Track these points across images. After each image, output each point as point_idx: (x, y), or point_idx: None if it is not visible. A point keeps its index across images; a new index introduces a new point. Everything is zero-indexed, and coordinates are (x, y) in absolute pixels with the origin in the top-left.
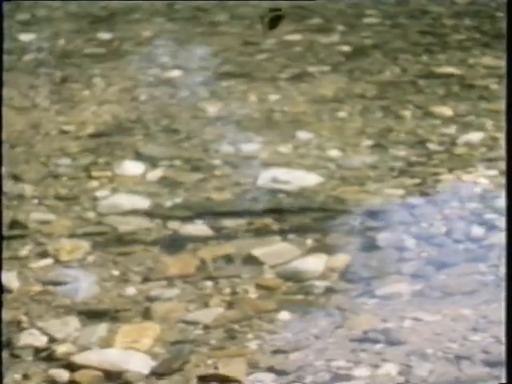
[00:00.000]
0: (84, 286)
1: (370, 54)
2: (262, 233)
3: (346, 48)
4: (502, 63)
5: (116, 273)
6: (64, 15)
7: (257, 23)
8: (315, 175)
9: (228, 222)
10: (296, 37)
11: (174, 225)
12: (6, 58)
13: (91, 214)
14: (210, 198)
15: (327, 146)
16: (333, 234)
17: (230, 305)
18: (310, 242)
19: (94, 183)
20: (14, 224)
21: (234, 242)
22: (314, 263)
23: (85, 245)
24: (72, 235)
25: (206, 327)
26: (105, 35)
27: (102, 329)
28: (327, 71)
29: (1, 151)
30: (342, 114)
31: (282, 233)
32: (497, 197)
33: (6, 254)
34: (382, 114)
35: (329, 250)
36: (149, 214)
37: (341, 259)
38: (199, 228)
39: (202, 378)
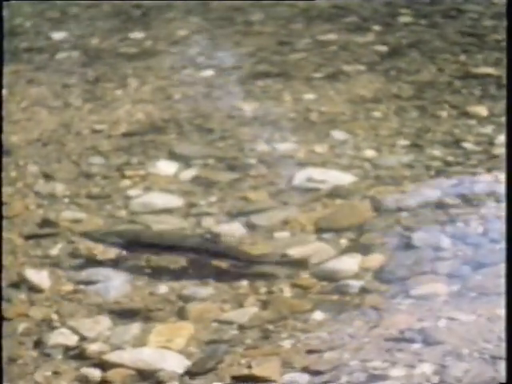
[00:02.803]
0: (116, 284)
1: (407, 53)
2: (296, 232)
3: (382, 48)
4: None
5: (148, 271)
6: (97, 13)
7: (292, 23)
8: (350, 175)
9: (263, 221)
10: (331, 36)
11: (208, 223)
12: (37, 56)
13: (123, 213)
14: (245, 197)
15: (363, 145)
16: (367, 233)
17: (265, 304)
18: (343, 241)
19: (127, 182)
20: (45, 223)
21: (269, 241)
22: (349, 263)
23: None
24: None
25: (241, 327)
26: (138, 34)
27: (134, 328)
28: (363, 71)
29: (1, 153)
30: (377, 114)
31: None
32: None
33: (37, 252)
34: (418, 113)
35: (364, 249)
36: (182, 212)
37: (376, 259)
38: (234, 227)
39: (236, 378)
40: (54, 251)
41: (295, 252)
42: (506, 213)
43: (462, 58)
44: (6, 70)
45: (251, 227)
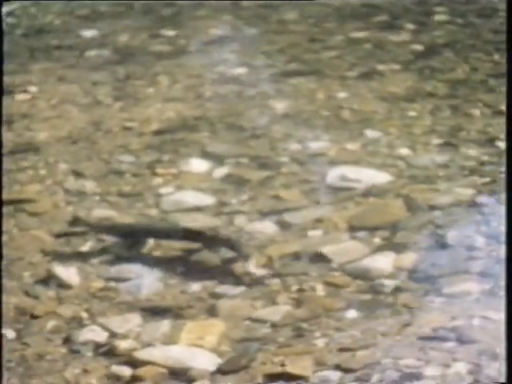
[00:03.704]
0: (147, 282)
1: (441, 52)
2: (329, 230)
3: (416, 46)
4: None
5: (180, 269)
6: (127, 11)
7: (324, 21)
8: (384, 173)
9: (296, 219)
10: (364, 34)
11: (240, 222)
12: (67, 54)
13: (154, 211)
14: (277, 196)
15: (396, 144)
16: (401, 232)
17: (297, 302)
18: (377, 240)
19: (158, 180)
20: (75, 220)
21: (301, 239)
22: (383, 261)
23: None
24: None
25: (273, 325)
26: (169, 32)
27: (165, 325)
28: (397, 69)
29: (1, 153)
30: (411, 113)
31: (351, 230)
32: None
33: (66, 249)
34: (452, 112)
35: (397, 248)
36: (214, 210)
37: (409, 258)
38: (266, 225)
39: (268, 376)
40: (84, 248)
41: (328, 250)
42: (505, 214)
43: (496, 56)
44: (36, 67)
45: (283, 225)
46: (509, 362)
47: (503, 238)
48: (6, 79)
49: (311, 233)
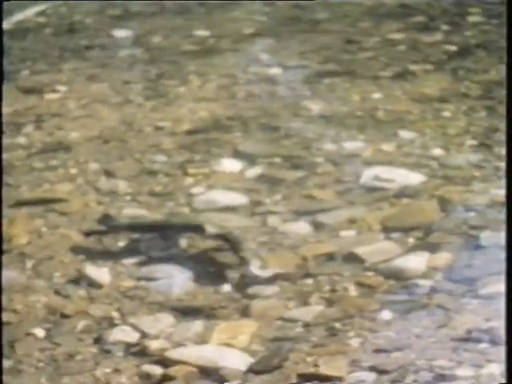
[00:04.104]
0: (178, 282)
1: (475, 53)
2: (362, 231)
3: (450, 47)
4: None
5: (211, 269)
6: (159, 11)
7: (359, 21)
8: (418, 174)
9: (329, 219)
10: (399, 35)
11: (273, 222)
12: (98, 53)
13: (186, 210)
14: (311, 196)
15: (431, 144)
16: (435, 233)
17: (330, 302)
18: (410, 240)
19: (190, 180)
20: (106, 219)
21: (335, 239)
22: (416, 262)
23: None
24: None
25: (306, 325)
26: (202, 32)
27: (197, 325)
28: (431, 70)
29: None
30: (445, 113)
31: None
32: None
33: (98, 248)
34: (486, 113)
35: (431, 248)
36: (247, 210)
37: (443, 258)
38: (300, 225)
39: (301, 376)
40: (115, 247)
41: (361, 251)
42: (506, 213)
43: None
44: (66, 66)
45: (317, 226)
46: (509, 361)
47: None
48: (36, 78)
49: (345, 233)
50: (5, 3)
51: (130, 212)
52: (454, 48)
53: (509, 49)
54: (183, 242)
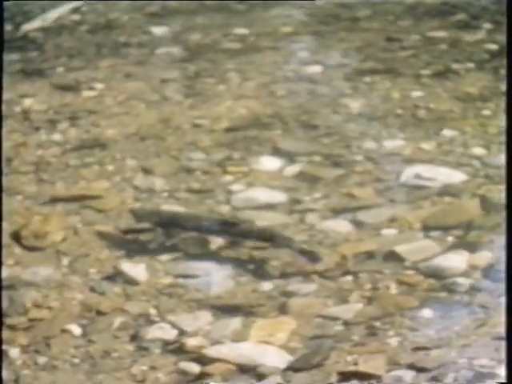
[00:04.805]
0: (217, 280)
1: None
2: (403, 229)
3: (491, 46)
4: None
5: (251, 267)
6: (198, 8)
7: (399, 19)
8: (459, 172)
9: (369, 218)
10: (440, 33)
11: (312, 220)
12: (136, 51)
13: (226, 208)
14: (350, 194)
15: (471, 143)
16: (476, 232)
17: (370, 301)
18: (450, 238)
19: (229, 178)
20: (143, 216)
21: (375, 238)
22: (456, 260)
23: (218, 238)
24: None
25: (346, 323)
26: (241, 30)
27: (235, 323)
28: (472, 68)
29: (1, 153)
30: (486, 112)
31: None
32: None
33: (133, 246)
34: None
35: (471, 247)
36: (286, 208)
37: (483, 257)
38: (339, 224)
39: (342, 374)
40: (152, 245)
41: (401, 249)
42: (506, 212)
43: None
44: (103, 64)
45: (357, 224)
46: (509, 361)
47: None
48: (72, 75)
49: (385, 231)
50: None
51: (168, 209)
52: (495, 47)
53: (509, 49)
54: (220, 239)
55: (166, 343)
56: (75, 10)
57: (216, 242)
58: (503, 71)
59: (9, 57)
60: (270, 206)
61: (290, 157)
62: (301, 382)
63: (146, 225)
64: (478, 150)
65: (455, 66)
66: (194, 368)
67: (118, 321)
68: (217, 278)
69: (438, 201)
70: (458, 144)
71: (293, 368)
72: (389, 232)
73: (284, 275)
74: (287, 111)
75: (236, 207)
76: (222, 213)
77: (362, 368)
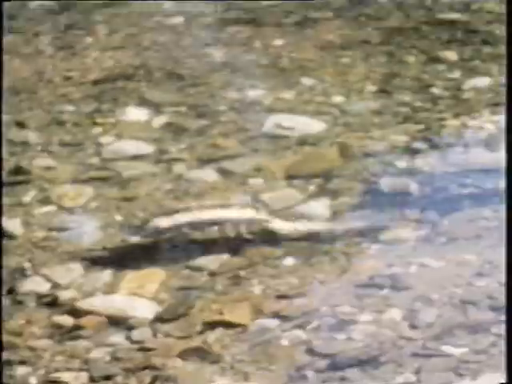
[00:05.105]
0: (88, 231)
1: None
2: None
3: None
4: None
5: (119, 218)
6: None
7: None
8: (319, 121)
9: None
10: None
11: (179, 169)
12: (10, 4)
13: (95, 160)
14: (215, 144)
15: (331, 91)
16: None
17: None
18: (312, 187)
19: (98, 129)
20: (18, 170)
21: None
22: (318, 208)
23: (88, 190)
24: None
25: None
26: None
27: (106, 275)
28: (331, 17)
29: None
30: (345, 60)
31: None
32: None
33: (9, 200)
34: (386, 59)
35: (332, 194)
36: (154, 159)
37: (344, 204)
38: (205, 173)
39: (207, 324)
40: (27, 198)
41: (266, 197)
42: (506, 211)
43: (428, 2)
44: None
45: (223, 173)
46: (509, 361)
47: (438, 183)
48: None
49: (251, 181)
50: None
51: (41, 162)
52: None
53: (509, 49)
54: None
55: (40, 296)
56: None
57: (87, 193)
58: (362, 19)
59: None
60: (137, 157)
61: (156, 108)
62: (168, 331)
63: (21, 178)
64: (338, 98)
65: (315, 14)
66: (68, 321)
67: None
68: (87, 229)
69: (298, 150)
70: (318, 93)
71: (160, 319)
72: (255, 181)
73: None
74: (153, 62)
75: (105, 159)
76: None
77: (227, 317)
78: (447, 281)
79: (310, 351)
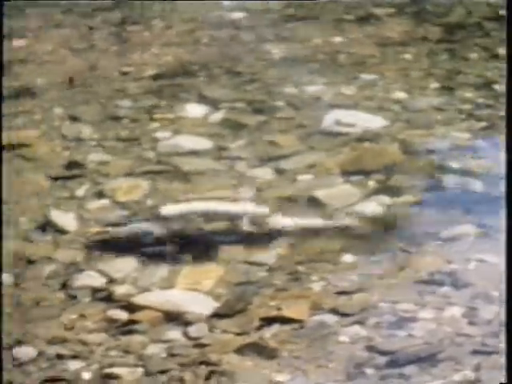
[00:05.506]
0: (143, 225)
1: None
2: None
3: None
4: None
5: None
6: None
7: None
8: (380, 118)
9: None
10: None
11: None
12: None
13: (151, 154)
14: (273, 141)
15: (392, 88)
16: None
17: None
18: (372, 183)
19: (155, 125)
20: (71, 164)
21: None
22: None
23: (144, 184)
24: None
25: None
26: None
27: (162, 270)
28: (393, 13)
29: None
30: (407, 56)
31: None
32: None
33: (63, 194)
34: (448, 56)
35: (393, 192)
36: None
37: (405, 201)
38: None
39: (264, 319)
40: (80, 192)
41: (321, 194)
42: (506, 212)
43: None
44: (32, 12)
45: (278, 171)
46: (509, 361)
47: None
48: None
49: (302, 177)
50: None
51: (95, 157)
52: None
53: (509, 48)
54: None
55: (94, 291)
56: None
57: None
58: (424, 15)
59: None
60: (195, 153)
61: (214, 104)
62: (224, 327)
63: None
64: (399, 95)
65: (377, 10)
66: (122, 315)
67: (47, 269)
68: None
69: (357, 146)
70: (379, 89)
71: (217, 314)
72: (306, 178)
73: None
74: (212, 58)
75: (162, 153)
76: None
77: (285, 313)
78: None
79: (370, 348)
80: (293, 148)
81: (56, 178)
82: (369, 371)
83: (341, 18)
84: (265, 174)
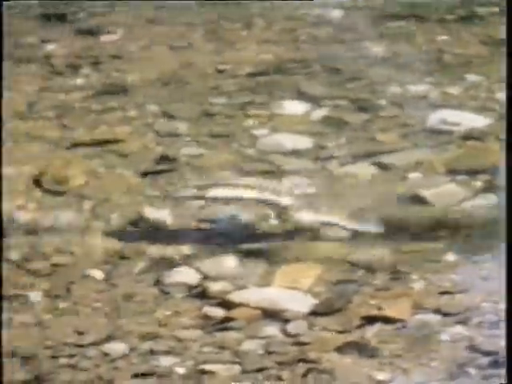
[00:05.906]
0: (238, 223)
1: None
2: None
3: None
4: None
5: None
6: None
7: None
8: (484, 117)
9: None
10: None
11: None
12: None
13: (250, 151)
14: (375, 139)
15: (498, 88)
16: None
17: None
18: (478, 183)
19: (251, 122)
20: (164, 159)
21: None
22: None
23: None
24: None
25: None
26: None
27: (259, 267)
28: (497, 12)
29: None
30: None
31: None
32: None
33: (155, 189)
34: None
35: (499, 191)
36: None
37: None
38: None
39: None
40: (173, 187)
41: (427, 193)
42: (505, 211)
43: None
44: (125, 8)
45: (382, 167)
46: (509, 361)
47: None
48: (94, 20)
49: (410, 175)
50: None
51: (189, 151)
52: None
53: (509, 48)
54: None
55: (189, 288)
56: None
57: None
58: None
59: (29, 1)
60: (295, 152)
61: (314, 101)
62: (324, 325)
63: (167, 167)
64: (502, 95)
65: (480, 10)
66: (219, 313)
67: (139, 265)
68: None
69: (462, 144)
70: (484, 89)
71: (315, 312)
72: (414, 175)
73: None
74: (311, 56)
75: (262, 151)
76: (249, 155)
77: (386, 312)
78: None
79: (472, 348)
80: (395, 145)
81: (146, 174)
82: (471, 371)
83: (443, 18)
84: (367, 170)
